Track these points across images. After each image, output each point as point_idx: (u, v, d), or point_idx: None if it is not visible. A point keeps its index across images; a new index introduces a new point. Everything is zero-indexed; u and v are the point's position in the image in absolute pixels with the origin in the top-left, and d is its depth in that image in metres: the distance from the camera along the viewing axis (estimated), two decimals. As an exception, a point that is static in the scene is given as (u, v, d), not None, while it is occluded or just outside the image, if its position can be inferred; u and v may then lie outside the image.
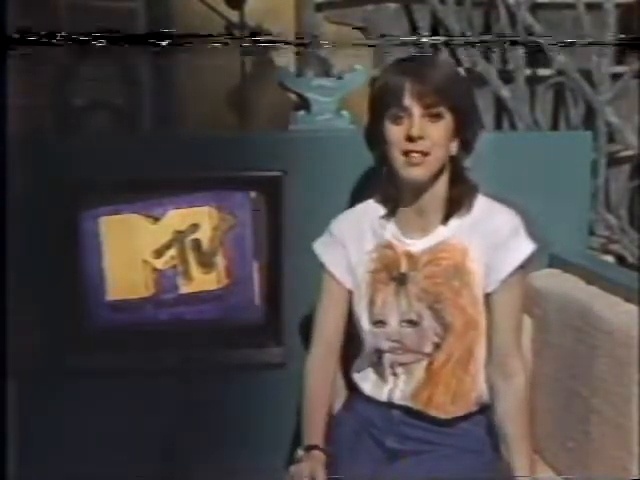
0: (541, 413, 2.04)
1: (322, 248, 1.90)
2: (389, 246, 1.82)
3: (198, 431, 2.10)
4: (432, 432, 1.81)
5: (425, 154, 1.71)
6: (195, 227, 2.09)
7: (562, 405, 1.97)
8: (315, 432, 1.84)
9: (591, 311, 1.88)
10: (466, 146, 1.78)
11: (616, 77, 3.37)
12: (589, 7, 3.36)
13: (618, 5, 3.43)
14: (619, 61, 3.50)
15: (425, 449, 1.80)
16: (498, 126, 3.57)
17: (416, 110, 1.71)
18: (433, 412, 1.80)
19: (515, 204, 1.83)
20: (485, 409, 1.84)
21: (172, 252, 2.09)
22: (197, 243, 2.10)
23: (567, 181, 2.21)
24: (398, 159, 1.73)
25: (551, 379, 1.99)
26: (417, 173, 1.73)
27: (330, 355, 1.90)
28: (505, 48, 3.50)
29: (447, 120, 1.73)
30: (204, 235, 2.09)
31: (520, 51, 3.42)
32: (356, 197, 2.02)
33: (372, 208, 1.86)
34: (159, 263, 2.09)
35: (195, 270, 2.10)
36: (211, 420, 2.12)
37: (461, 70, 1.87)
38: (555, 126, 3.61)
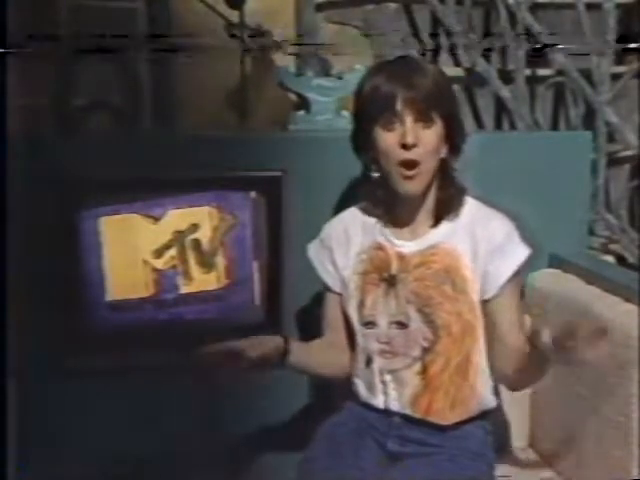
0: (541, 413, 2.04)
1: (313, 253, 1.91)
2: (380, 247, 1.82)
3: (197, 431, 2.10)
4: (433, 435, 1.80)
5: (418, 163, 1.71)
6: (195, 227, 2.09)
7: (562, 405, 1.97)
8: None
9: (591, 311, 1.88)
10: (455, 150, 1.78)
11: (616, 77, 3.37)
12: (589, 7, 3.36)
13: (618, 5, 3.43)
14: (619, 61, 3.50)
15: (427, 451, 1.79)
16: (498, 126, 3.57)
17: (408, 116, 1.71)
18: (433, 419, 1.79)
19: (506, 208, 1.80)
20: (485, 415, 1.83)
21: (172, 252, 2.09)
22: (197, 243, 2.10)
23: (567, 181, 2.21)
24: (392, 171, 1.73)
25: (551, 379, 1.99)
26: (411, 187, 1.73)
27: (337, 349, 1.90)
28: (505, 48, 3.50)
29: (438, 126, 1.73)
30: (204, 235, 2.10)
31: (520, 51, 3.42)
32: (355, 197, 2.02)
33: (362, 211, 1.87)
34: (159, 263, 2.09)
35: (195, 270, 2.10)
36: (210, 420, 2.11)
37: (445, 72, 1.84)
38: (555, 126, 3.61)
